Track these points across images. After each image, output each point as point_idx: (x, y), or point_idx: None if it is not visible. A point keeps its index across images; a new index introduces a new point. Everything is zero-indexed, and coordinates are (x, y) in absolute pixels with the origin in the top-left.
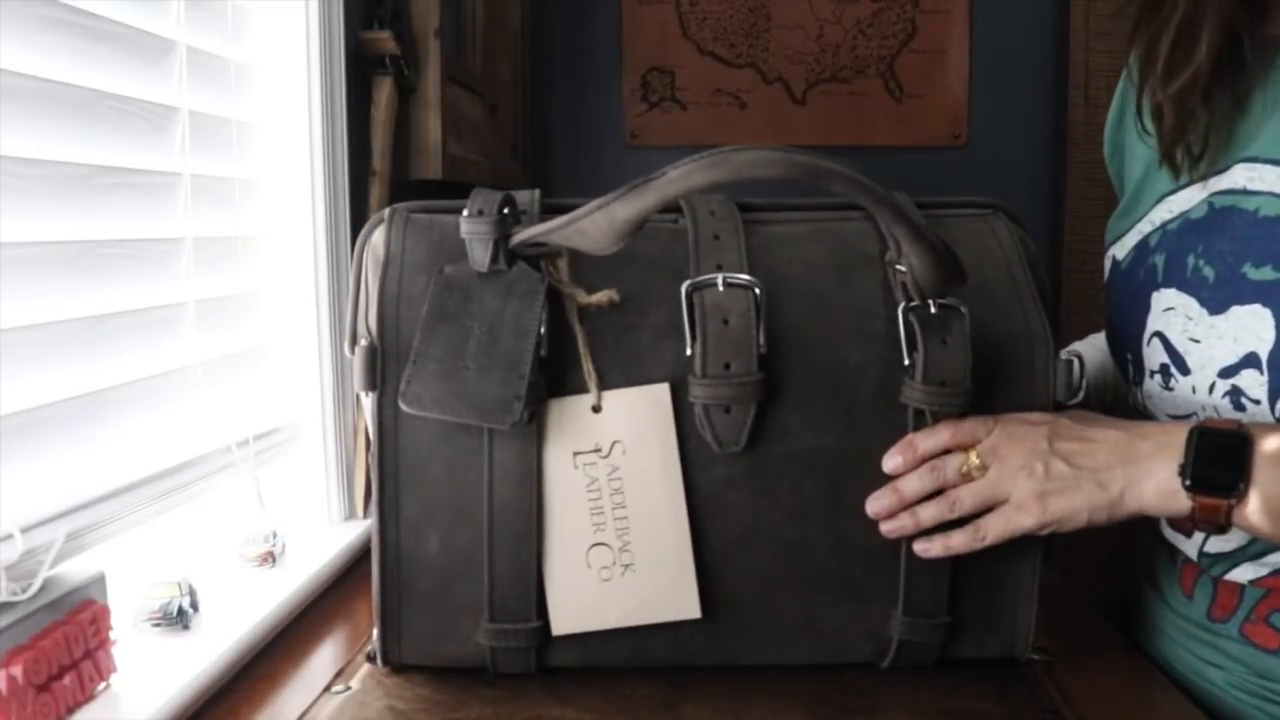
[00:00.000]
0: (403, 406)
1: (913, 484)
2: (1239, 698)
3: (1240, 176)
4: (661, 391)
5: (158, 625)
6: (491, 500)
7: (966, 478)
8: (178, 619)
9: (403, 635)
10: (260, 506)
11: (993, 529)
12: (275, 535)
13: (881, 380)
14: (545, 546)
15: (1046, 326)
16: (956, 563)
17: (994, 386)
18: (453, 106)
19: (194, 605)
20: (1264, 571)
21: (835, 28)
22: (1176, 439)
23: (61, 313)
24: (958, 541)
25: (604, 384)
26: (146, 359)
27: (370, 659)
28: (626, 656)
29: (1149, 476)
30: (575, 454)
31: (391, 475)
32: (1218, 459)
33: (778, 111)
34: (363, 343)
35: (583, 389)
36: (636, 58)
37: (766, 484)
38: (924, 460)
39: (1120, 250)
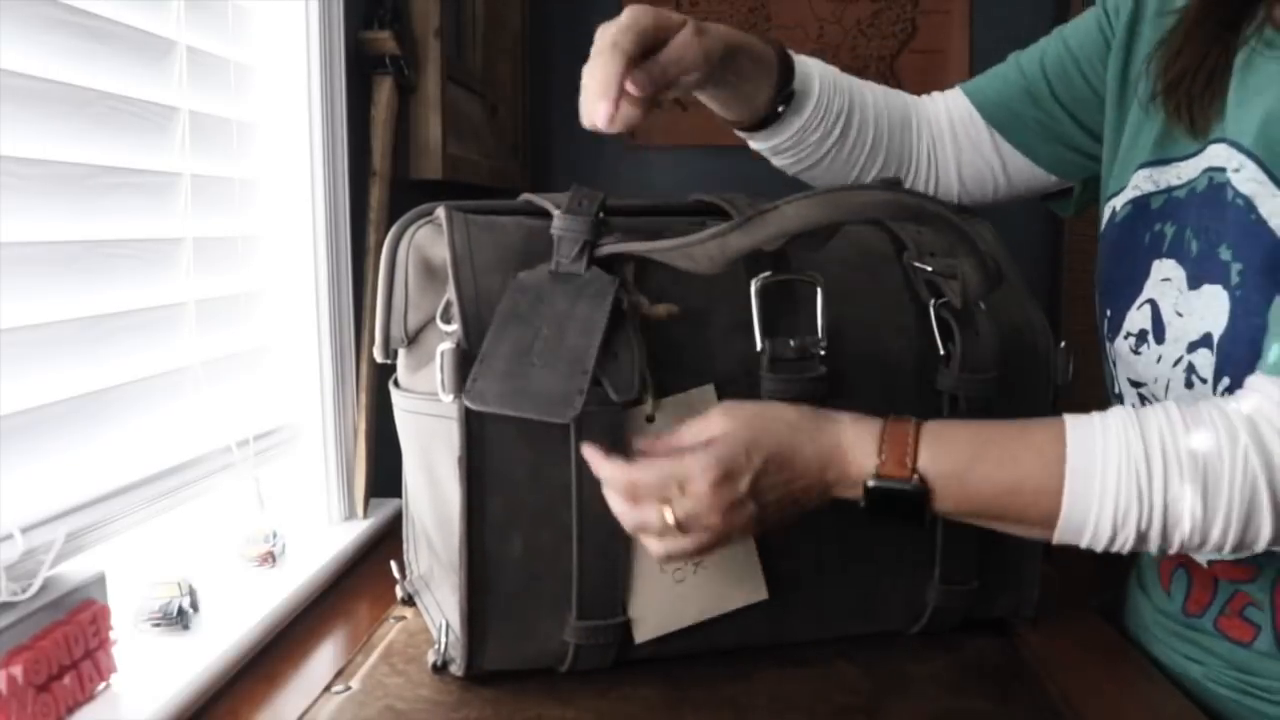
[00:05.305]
0: (467, 403)
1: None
2: (1217, 691)
3: (1222, 155)
4: (708, 393)
5: (158, 625)
6: (580, 498)
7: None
8: (178, 619)
9: (487, 640)
10: (260, 506)
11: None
12: (275, 535)
13: (916, 369)
14: (631, 547)
15: (1043, 318)
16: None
17: (1006, 374)
18: (453, 106)
19: (194, 605)
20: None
21: (835, 28)
22: (856, 487)
23: (61, 313)
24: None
25: (668, 389)
26: (146, 359)
27: (437, 669)
28: (695, 644)
29: (846, 490)
30: None
31: (477, 479)
32: (894, 513)
33: None
34: (451, 345)
35: (678, 389)
36: None
37: None
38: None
39: (1120, 202)
